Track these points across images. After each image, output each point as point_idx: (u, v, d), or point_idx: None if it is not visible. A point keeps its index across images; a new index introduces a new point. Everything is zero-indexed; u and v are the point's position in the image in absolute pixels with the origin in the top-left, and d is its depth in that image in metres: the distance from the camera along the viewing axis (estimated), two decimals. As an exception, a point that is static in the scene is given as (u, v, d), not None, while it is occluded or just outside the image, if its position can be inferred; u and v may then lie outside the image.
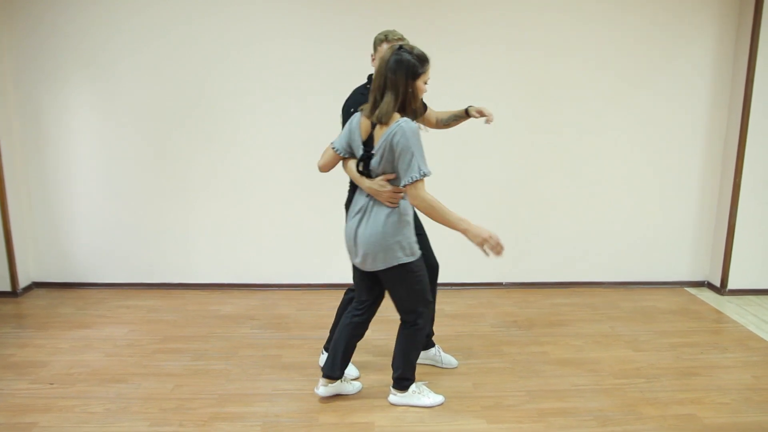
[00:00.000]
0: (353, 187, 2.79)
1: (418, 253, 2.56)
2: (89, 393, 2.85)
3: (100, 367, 3.13)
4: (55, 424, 2.59)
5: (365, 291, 2.72)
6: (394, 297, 2.64)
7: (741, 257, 4.24)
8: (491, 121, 2.90)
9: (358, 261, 2.59)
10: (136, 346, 3.39)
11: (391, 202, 2.47)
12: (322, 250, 4.28)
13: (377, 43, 2.77)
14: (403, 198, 2.50)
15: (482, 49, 4.06)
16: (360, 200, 2.57)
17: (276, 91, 4.06)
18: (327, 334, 3.14)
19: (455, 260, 4.12)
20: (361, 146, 2.49)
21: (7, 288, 4.13)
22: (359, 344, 2.86)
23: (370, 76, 2.82)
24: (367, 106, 2.48)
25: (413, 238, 2.56)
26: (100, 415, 2.67)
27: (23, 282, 4.22)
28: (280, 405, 2.76)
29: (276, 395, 2.85)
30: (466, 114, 2.98)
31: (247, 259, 4.33)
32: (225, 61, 4.02)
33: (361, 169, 2.51)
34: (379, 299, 2.76)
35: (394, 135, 2.35)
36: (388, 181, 2.45)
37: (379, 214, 2.49)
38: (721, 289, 4.31)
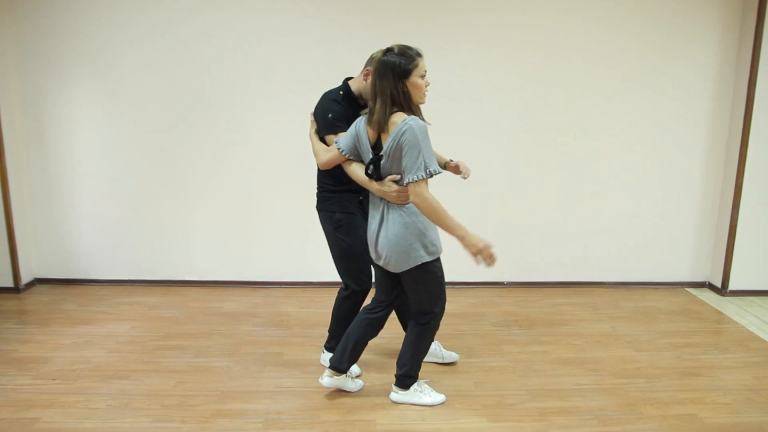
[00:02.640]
0: (347, 190, 2.81)
1: (440, 252, 2.56)
2: (91, 389, 2.86)
3: (102, 363, 3.13)
4: (58, 419, 2.60)
5: (384, 291, 2.73)
6: (412, 296, 2.63)
7: (742, 258, 4.24)
8: (466, 177, 2.90)
9: (381, 263, 2.59)
10: (138, 342, 3.39)
11: (402, 201, 2.46)
12: (323, 248, 4.26)
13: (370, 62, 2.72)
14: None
15: (483, 49, 4.06)
16: (376, 204, 2.56)
17: (278, 90, 4.07)
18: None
19: (456, 259, 4.11)
20: (370, 150, 2.47)
21: (10, 284, 4.14)
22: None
23: (344, 80, 2.82)
24: (366, 112, 2.49)
25: (436, 236, 2.54)
26: (102, 410, 2.67)
27: (25, 278, 4.23)
28: (281, 402, 2.77)
29: (278, 392, 2.86)
30: (444, 166, 2.94)
31: (248, 257, 4.33)
32: (227, 59, 4.02)
33: (370, 172, 2.48)
34: (397, 300, 2.76)
35: (402, 133, 2.33)
36: (396, 181, 2.44)
37: (397, 216, 2.47)
38: (722, 289, 4.31)
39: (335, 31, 3.99)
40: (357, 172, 2.56)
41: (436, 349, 3.16)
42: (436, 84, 3.71)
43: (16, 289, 4.15)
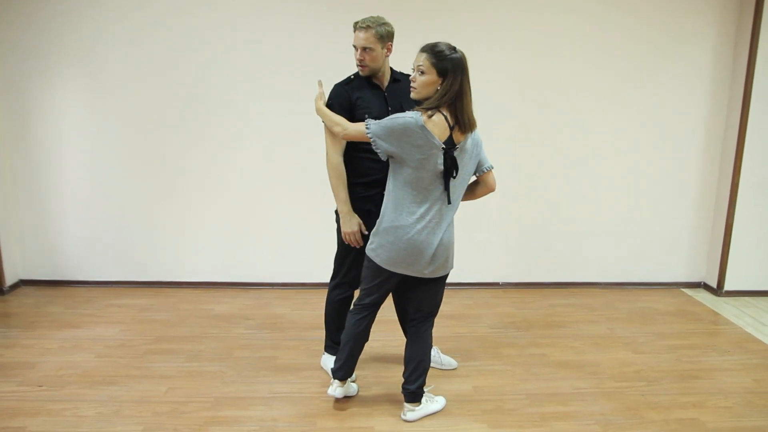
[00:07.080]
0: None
1: None
2: (80, 395, 2.78)
3: (91, 368, 3.05)
4: (45, 428, 2.51)
5: (384, 295, 2.65)
6: (435, 300, 2.61)
7: (738, 258, 4.23)
8: None
9: (431, 269, 2.46)
10: (128, 346, 3.31)
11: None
12: (316, 248, 4.21)
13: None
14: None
15: (478, 49, 4.00)
16: (429, 207, 2.41)
17: (270, 91, 3.99)
18: (323, 333, 3.08)
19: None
20: (442, 145, 2.32)
21: (-6, 286, 4.04)
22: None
23: (357, 73, 2.76)
24: (422, 109, 2.36)
25: None
26: (91, 418, 2.59)
27: (10, 280, 4.12)
28: (277, 408, 2.70)
29: (273, 398, 2.79)
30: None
31: (240, 258, 4.25)
32: (218, 60, 3.94)
33: (449, 167, 2.37)
34: (382, 303, 2.70)
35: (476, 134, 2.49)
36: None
37: (450, 218, 2.47)
38: (718, 290, 4.30)
39: (325, 33, 3.91)
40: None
41: (435, 355, 3.10)
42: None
43: (0, 292, 4.04)
